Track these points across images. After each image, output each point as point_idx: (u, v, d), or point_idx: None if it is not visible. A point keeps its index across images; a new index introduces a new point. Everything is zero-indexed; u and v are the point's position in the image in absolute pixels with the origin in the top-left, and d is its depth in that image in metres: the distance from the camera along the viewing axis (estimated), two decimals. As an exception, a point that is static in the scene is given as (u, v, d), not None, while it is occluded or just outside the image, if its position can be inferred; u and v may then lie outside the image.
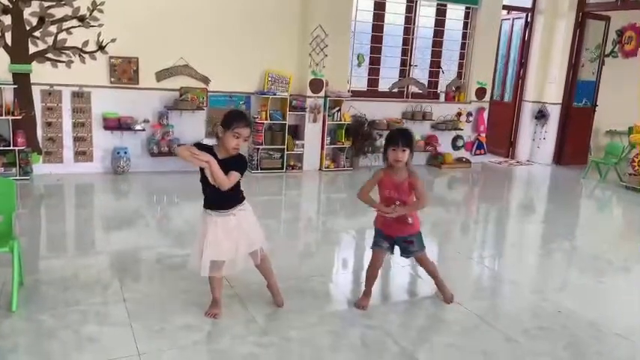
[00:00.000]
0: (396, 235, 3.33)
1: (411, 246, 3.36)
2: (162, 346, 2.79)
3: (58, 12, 6.11)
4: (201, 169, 2.93)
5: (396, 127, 3.45)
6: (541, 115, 9.28)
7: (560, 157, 9.28)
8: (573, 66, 9.05)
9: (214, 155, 2.91)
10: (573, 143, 9.25)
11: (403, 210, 3.21)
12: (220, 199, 2.99)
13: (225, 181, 2.87)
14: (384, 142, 3.33)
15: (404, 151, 3.16)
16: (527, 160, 9.50)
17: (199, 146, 2.95)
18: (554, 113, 9.17)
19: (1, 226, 3.21)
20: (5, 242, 3.03)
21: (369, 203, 3.30)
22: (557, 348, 3.02)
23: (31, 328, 2.90)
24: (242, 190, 3.09)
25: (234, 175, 2.92)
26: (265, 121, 7.12)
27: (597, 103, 9.41)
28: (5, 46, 5.98)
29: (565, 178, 8.55)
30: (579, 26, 8.91)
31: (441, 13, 8.43)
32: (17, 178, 5.86)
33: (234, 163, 2.95)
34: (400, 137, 3.19)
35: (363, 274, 3.80)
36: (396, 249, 3.42)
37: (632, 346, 3.12)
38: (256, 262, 3.19)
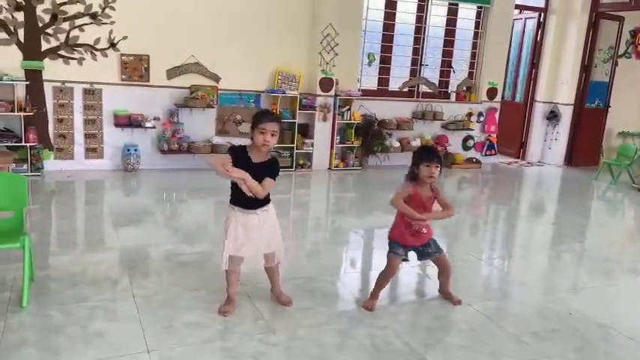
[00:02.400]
0: (420, 244, 3.35)
1: (428, 248, 3.38)
2: (171, 343, 2.80)
3: (71, 9, 6.15)
4: (249, 172, 2.95)
5: (425, 144, 3.52)
6: (553, 116, 9.21)
7: (572, 158, 9.21)
8: (586, 66, 8.97)
9: (247, 157, 2.97)
10: (585, 144, 9.17)
11: (436, 215, 3.30)
12: (247, 199, 3.00)
13: (260, 192, 2.95)
14: (413, 157, 3.33)
15: (437, 167, 3.22)
16: (538, 161, 9.43)
17: (233, 149, 3.01)
18: (566, 114, 9.10)
19: (12, 222, 3.23)
20: (16, 238, 3.05)
21: (404, 209, 3.25)
22: (566, 350, 2.99)
23: (40, 324, 2.91)
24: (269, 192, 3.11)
25: (269, 182, 2.99)
26: (275, 120, 7.12)
27: (610, 104, 9.33)
28: (18, 43, 6.03)
29: (576, 179, 8.48)
30: (592, 26, 8.82)
31: (452, 12, 8.39)
32: (28, 174, 5.91)
33: (268, 169, 3.01)
34: (434, 155, 3.27)
35: (372, 273, 3.79)
36: (412, 255, 3.43)
37: (643, 349, 3.09)
38: (270, 263, 3.21)
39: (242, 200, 3.01)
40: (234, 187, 3.02)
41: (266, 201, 3.09)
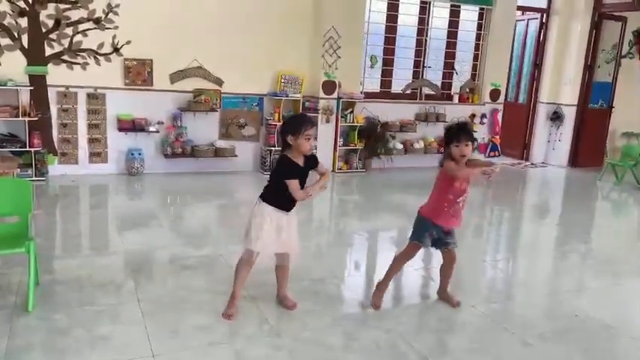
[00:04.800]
0: (454, 227, 3.30)
1: (449, 237, 3.33)
2: (176, 346, 2.80)
3: (74, 14, 6.17)
4: (301, 178, 3.04)
5: (454, 123, 3.40)
6: (556, 117, 9.19)
7: (576, 159, 9.18)
8: (589, 67, 8.95)
9: (298, 166, 3.02)
10: (589, 145, 9.15)
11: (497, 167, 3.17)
12: (290, 201, 3.08)
13: (327, 179, 3.14)
14: (444, 136, 3.28)
15: (467, 145, 3.16)
16: (542, 162, 9.41)
17: (293, 168, 3.01)
18: (570, 115, 9.08)
19: (17, 227, 3.25)
20: (21, 243, 3.06)
21: (471, 173, 3.18)
22: (572, 351, 2.98)
23: (46, 327, 2.92)
24: None
25: (326, 168, 3.20)
26: (278, 123, 7.13)
27: (613, 105, 9.30)
28: (22, 48, 6.06)
29: (580, 180, 8.46)
30: (595, 27, 8.81)
31: (454, 14, 8.38)
32: (33, 179, 5.92)
33: (313, 163, 3.11)
34: (463, 133, 3.18)
35: (376, 276, 3.78)
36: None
37: (649, 350, 3.07)
38: (283, 262, 3.22)
39: (286, 203, 3.08)
40: (280, 190, 3.03)
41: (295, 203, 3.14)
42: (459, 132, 3.17)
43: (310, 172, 3.12)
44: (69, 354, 2.69)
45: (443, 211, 3.25)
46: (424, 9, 8.10)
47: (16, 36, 6.01)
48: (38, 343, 2.78)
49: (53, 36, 6.15)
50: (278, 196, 3.07)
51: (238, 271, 3.16)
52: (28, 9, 5.99)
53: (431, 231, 3.29)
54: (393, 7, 7.90)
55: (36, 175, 6.08)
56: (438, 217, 3.26)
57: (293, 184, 2.99)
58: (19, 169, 5.94)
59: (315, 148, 7.10)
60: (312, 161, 3.12)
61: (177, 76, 6.77)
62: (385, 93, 8.22)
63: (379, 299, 3.36)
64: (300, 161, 3.05)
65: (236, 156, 7.08)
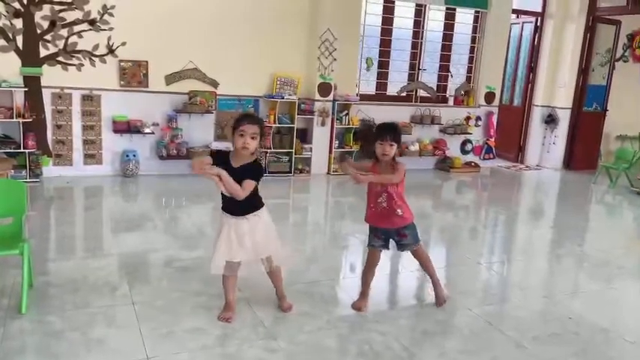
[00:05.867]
0: (387, 227, 3.30)
1: (404, 239, 3.33)
2: (171, 349, 2.79)
3: (69, 16, 6.15)
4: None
5: (384, 122, 3.38)
6: (551, 120, 9.23)
7: (570, 161, 9.22)
8: (583, 70, 8.99)
9: (228, 162, 2.92)
10: (583, 148, 9.18)
11: (375, 178, 3.19)
12: (234, 205, 2.98)
13: (239, 191, 2.87)
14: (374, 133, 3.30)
15: (391, 145, 3.17)
16: (537, 165, 9.44)
17: (217, 153, 2.98)
18: (564, 118, 9.12)
19: (11, 229, 3.24)
20: (15, 244, 3.05)
21: (344, 169, 3.32)
22: (567, 354, 2.99)
23: (40, 330, 2.91)
24: (260, 196, 3.08)
25: (248, 184, 2.90)
26: (273, 125, 7.13)
27: (608, 108, 9.35)
28: (17, 50, 6.03)
29: (575, 183, 8.49)
30: (589, 30, 8.85)
31: (450, 17, 8.41)
32: (27, 180, 5.89)
33: (249, 171, 2.93)
34: (388, 132, 3.18)
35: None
36: (392, 244, 3.40)
37: (643, 353, 3.09)
38: (268, 268, 3.18)
39: (232, 207, 2.99)
40: (224, 195, 2.97)
41: (255, 207, 3.05)
42: (386, 131, 3.18)
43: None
44: (63, 357, 2.67)
45: (370, 211, 3.32)
46: (420, 12, 8.12)
47: (11, 37, 5.98)
48: (32, 346, 2.77)
49: (48, 37, 6.13)
50: (225, 200, 3.01)
51: (224, 281, 3.15)
52: (23, 10, 5.97)
53: (376, 233, 3.33)
54: (388, 10, 7.92)
55: (30, 177, 6.05)
56: (370, 218, 3.34)
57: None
58: (12, 171, 5.92)
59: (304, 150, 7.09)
60: (247, 172, 2.93)
61: (172, 78, 6.76)
62: (381, 95, 8.23)
63: (363, 304, 3.37)
64: (237, 162, 2.94)
65: (231, 158, 7.06)
